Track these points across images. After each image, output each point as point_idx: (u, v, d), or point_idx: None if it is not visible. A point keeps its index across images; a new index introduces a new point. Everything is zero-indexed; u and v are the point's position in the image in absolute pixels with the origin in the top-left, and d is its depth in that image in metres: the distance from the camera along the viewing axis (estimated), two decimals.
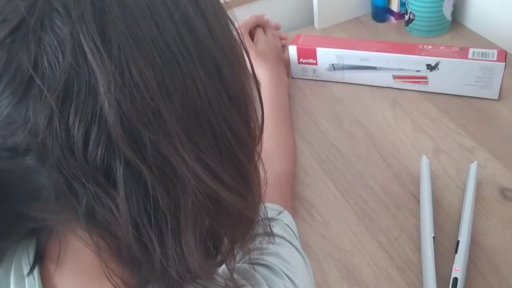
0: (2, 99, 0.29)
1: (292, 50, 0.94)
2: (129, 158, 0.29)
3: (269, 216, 0.56)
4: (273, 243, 0.51)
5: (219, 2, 0.36)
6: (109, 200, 0.30)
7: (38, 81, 0.28)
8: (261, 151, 0.41)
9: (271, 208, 0.59)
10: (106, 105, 0.28)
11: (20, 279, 0.39)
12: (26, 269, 0.39)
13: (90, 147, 0.29)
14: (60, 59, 0.28)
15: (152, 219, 0.31)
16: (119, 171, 0.30)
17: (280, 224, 0.56)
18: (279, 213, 0.57)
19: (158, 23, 0.30)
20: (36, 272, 0.39)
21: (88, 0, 0.29)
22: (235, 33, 0.37)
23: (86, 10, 0.29)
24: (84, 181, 0.29)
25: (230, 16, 0.37)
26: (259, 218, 0.41)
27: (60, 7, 0.29)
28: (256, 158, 0.39)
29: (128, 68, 0.29)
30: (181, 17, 0.31)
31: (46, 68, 0.28)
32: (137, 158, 0.30)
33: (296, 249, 0.53)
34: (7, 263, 0.40)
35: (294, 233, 0.58)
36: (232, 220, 0.37)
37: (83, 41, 0.28)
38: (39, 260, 0.39)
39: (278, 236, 0.53)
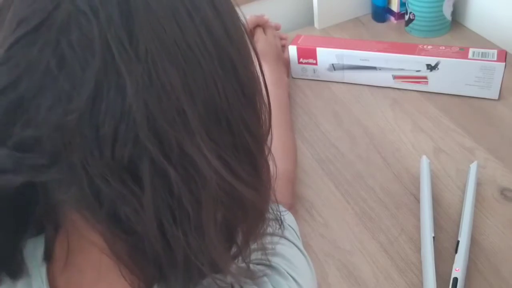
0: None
1: (292, 50, 0.94)
2: (154, 157, 0.30)
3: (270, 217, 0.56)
4: (277, 244, 0.51)
5: (232, 3, 0.37)
6: (134, 198, 0.31)
7: (65, 81, 0.28)
8: (271, 144, 0.41)
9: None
10: (134, 105, 0.29)
11: (27, 278, 0.39)
12: (32, 268, 0.39)
13: (118, 146, 0.29)
14: (90, 59, 0.29)
15: (177, 216, 0.32)
16: (146, 170, 0.30)
17: (283, 224, 0.56)
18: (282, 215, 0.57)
19: (181, 26, 0.31)
20: (43, 270, 0.39)
21: (115, 3, 0.29)
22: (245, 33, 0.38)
23: (114, 12, 0.29)
24: (110, 179, 0.30)
25: (242, 17, 0.38)
26: (270, 211, 0.42)
27: (87, 9, 0.29)
28: (267, 152, 0.40)
29: (155, 69, 0.30)
30: (201, 20, 0.32)
31: (76, 68, 0.28)
32: (163, 157, 0.30)
33: (299, 249, 0.53)
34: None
35: (296, 233, 0.58)
36: (247, 214, 0.38)
37: (111, 42, 0.29)
38: (47, 259, 0.39)
39: (281, 236, 0.53)
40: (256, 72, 0.38)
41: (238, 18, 0.37)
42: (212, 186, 0.33)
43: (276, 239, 0.51)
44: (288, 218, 0.58)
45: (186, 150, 0.31)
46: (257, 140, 0.37)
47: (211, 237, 0.34)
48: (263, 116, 0.39)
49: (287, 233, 0.54)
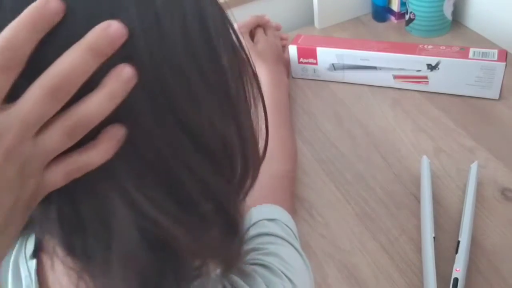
0: None
1: (292, 50, 0.94)
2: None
3: (267, 217, 0.56)
4: (272, 243, 0.51)
5: (190, 6, 0.29)
6: (45, 215, 0.30)
7: None
8: (250, 187, 0.37)
9: (271, 208, 0.59)
10: None
11: (16, 275, 0.40)
12: (22, 264, 0.40)
13: None
14: None
15: (84, 241, 0.31)
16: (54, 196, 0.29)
17: (278, 223, 0.56)
18: (269, 218, 0.57)
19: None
20: (32, 265, 0.39)
21: None
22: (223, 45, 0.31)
23: None
24: None
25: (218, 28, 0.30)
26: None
27: None
28: (241, 196, 0.36)
29: None
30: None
31: None
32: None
33: (296, 249, 0.53)
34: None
35: (293, 233, 0.58)
36: (178, 258, 0.34)
37: None
38: (37, 256, 0.40)
39: (277, 236, 0.53)
40: (232, 106, 0.32)
41: (197, 30, 0.29)
42: (124, 224, 0.30)
43: (271, 239, 0.51)
44: (286, 218, 0.58)
45: (98, 186, 0.29)
46: (208, 186, 0.32)
47: (115, 273, 0.31)
48: (227, 161, 0.33)
49: (283, 233, 0.54)
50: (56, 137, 0.26)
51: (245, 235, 0.50)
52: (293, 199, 0.72)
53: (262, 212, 0.57)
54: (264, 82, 0.87)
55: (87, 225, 0.30)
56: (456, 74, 0.85)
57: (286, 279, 0.46)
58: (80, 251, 0.31)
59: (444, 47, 0.87)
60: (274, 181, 0.68)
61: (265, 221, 0.55)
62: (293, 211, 0.68)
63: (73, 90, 0.26)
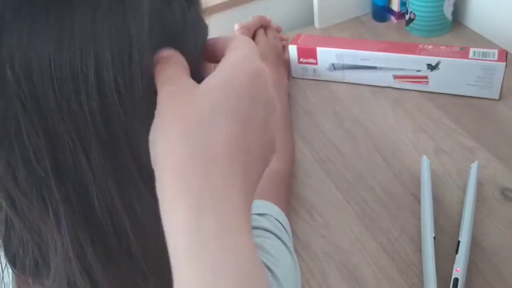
0: None
1: (292, 50, 0.94)
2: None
3: (257, 212, 0.56)
4: (259, 236, 0.51)
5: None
6: None
7: None
8: None
9: (263, 204, 0.60)
10: None
11: None
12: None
13: None
14: None
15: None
16: None
17: (270, 219, 0.57)
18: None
19: None
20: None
21: None
22: None
23: None
24: None
25: None
26: None
27: None
28: None
29: None
30: None
31: None
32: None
33: (285, 245, 0.54)
34: None
35: (285, 228, 0.58)
36: None
37: None
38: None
39: (265, 230, 0.53)
40: None
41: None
42: None
43: (259, 232, 0.52)
44: (278, 214, 0.59)
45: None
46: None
47: None
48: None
49: (273, 228, 0.54)
50: None
51: None
52: (287, 197, 0.71)
53: (254, 207, 0.58)
54: None
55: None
56: (456, 74, 0.85)
57: (266, 269, 0.46)
58: None
59: (444, 47, 0.87)
60: (269, 179, 0.69)
61: (255, 216, 0.56)
62: (287, 209, 0.68)
63: None
